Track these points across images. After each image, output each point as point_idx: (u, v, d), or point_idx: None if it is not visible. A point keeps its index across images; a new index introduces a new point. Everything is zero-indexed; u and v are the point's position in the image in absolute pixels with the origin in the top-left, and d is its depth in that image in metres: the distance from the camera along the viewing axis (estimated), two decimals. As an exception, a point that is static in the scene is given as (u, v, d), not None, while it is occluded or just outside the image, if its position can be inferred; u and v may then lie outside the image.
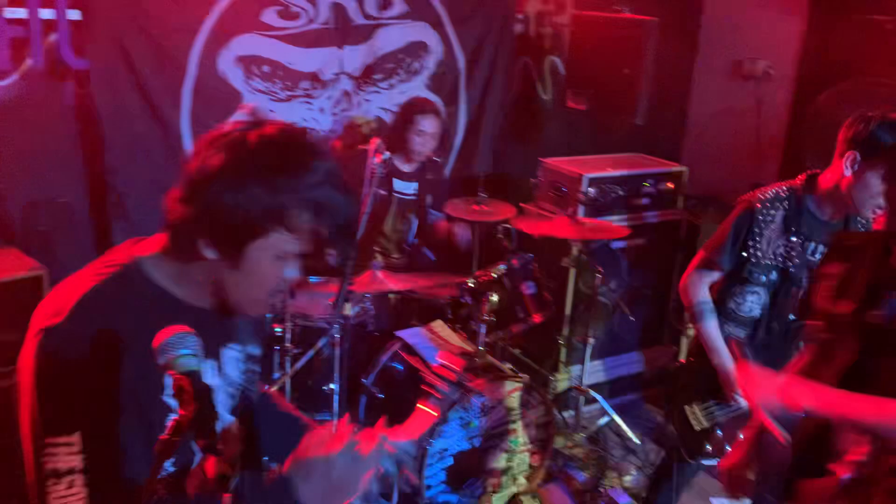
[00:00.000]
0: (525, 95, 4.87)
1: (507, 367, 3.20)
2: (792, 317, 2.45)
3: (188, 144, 3.61)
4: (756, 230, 2.37)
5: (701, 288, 2.50)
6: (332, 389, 3.00)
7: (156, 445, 1.01)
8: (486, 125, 4.65)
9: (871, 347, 1.62)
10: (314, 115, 4.03)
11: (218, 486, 1.02)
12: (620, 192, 4.08)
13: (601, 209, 3.99)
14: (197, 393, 1.03)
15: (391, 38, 4.18)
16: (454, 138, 4.58)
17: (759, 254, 2.38)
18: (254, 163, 1.17)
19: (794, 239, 2.34)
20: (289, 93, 3.91)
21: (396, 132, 3.74)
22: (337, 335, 2.95)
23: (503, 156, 4.79)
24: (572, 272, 3.89)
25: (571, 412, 3.97)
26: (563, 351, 4.08)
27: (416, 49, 4.29)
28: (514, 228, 3.85)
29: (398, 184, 3.79)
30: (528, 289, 3.38)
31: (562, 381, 4.14)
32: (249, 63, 3.74)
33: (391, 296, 3.61)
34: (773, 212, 2.37)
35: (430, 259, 4.01)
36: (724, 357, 2.42)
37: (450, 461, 2.95)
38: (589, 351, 3.77)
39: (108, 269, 1.25)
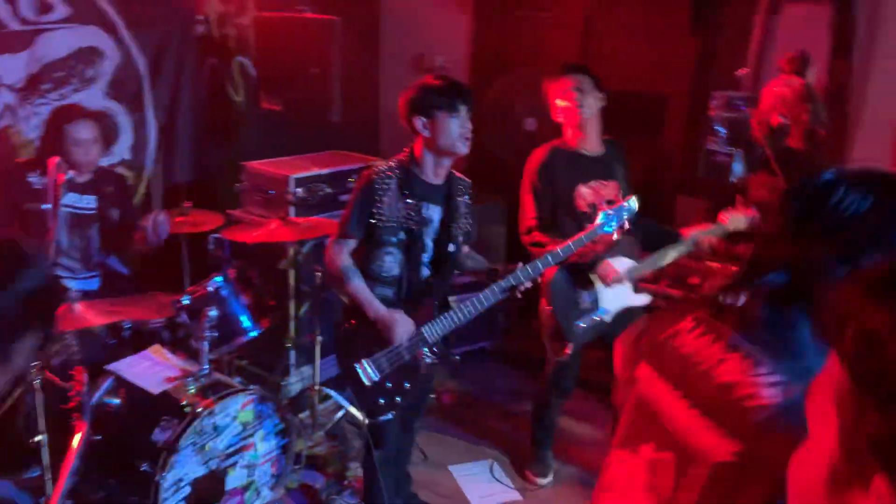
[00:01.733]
0: (218, 98, 4.72)
1: (236, 381, 3.11)
2: (426, 272, 2.81)
3: None
4: (377, 198, 2.69)
5: (342, 256, 2.75)
6: (41, 441, 2.68)
7: None
8: (180, 131, 4.43)
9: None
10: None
11: None
12: (328, 190, 4.15)
13: (312, 207, 4.02)
14: None
15: (56, 44, 3.78)
16: (148, 146, 4.29)
17: (384, 218, 2.69)
18: None
19: (409, 201, 2.70)
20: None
21: (47, 146, 3.36)
22: (37, 381, 2.63)
23: (205, 162, 4.61)
24: (292, 273, 3.88)
25: (307, 412, 3.99)
26: (293, 354, 4.06)
27: (89, 55, 3.93)
28: (226, 238, 3.73)
29: (71, 197, 3.42)
30: (247, 298, 3.31)
31: (294, 384, 4.13)
32: None
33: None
34: (388, 181, 2.71)
35: (123, 273, 3.73)
36: (378, 305, 2.70)
37: (187, 490, 2.81)
38: (318, 349, 3.81)
39: None
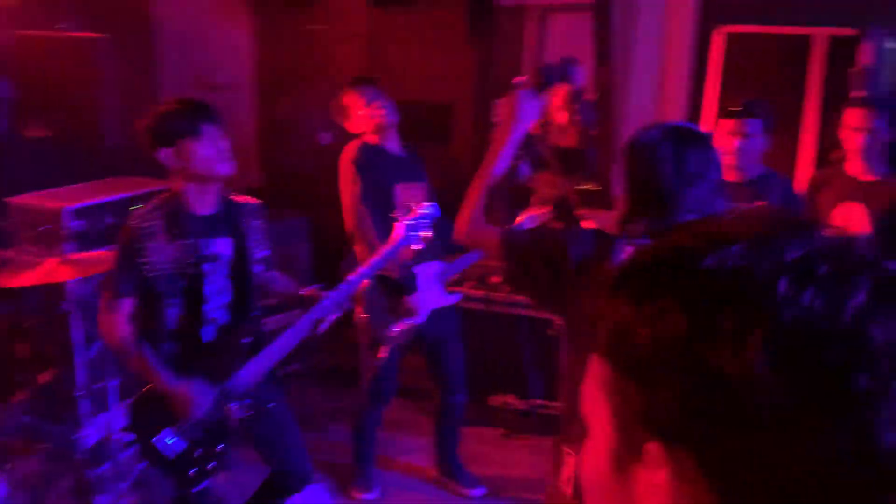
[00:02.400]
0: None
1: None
2: (224, 316, 2.51)
3: None
4: (141, 248, 2.38)
5: (119, 323, 2.41)
6: None
7: None
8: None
9: None
10: None
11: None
12: (111, 220, 3.83)
13: (95, 240, 3.69)
14: None
15: None
16: None
17: (155, 268, 2.39)
18: None
19: (182, 242, 2.41)
20: None
21: None
22: None
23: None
24: (75, 315, 3.53)
25: (108, 463, 3.64)
26: (85, 403, 3.69)
27: None
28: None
29: None
30: (23, 350, 2.96)
31: (89, 436, 3.76)
32: None
33: None
34: (151, 227, 2.41)
35: None
36: (167, 378, 2.40)
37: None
38: (113, 394, 3.50)
39: None
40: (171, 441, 2.40)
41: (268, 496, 2.71)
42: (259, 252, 2.60)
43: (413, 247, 2.76)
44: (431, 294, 3.29)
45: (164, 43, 5.14)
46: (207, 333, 2.48)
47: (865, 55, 3.06)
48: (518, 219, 3.37)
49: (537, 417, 4.02)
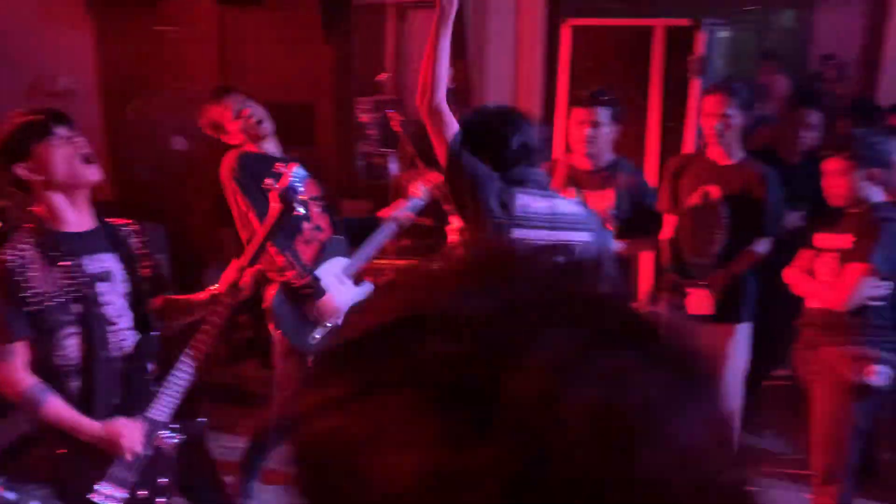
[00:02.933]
0: None
1: None
2: (128, 339, 2.30)
3: None
4: (19, 282, 2.15)
5: (18, 372, 2.17)
6: None
7: None
8: None
9: None
10: None
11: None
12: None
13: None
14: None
15: None
16: None
17: (41, 299, 2.16)
18: None
19: (63, 264, 2.20)
20: None
21: None
22: None
23: None
24: None
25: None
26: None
27: None
28: None
29: None
30: None
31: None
32: None
33: None
34: (23, 255, 2.18)
35: None
36: (89, 425, 2.18)
37: None
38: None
39: None
40: (109, 491, 2.16)
41: None
42: (147, 268, 2.41)
43: (296, 212, 2.57)
44: (342, 291, 3.21)
45: (-7, 48, 4.75)
46: (116, 362, 2.25)
47: (700, 44, 3.25)
48: (394, 208, 3.35)
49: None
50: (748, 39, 7.46)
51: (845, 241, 2.71)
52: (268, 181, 2.56)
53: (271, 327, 3.16)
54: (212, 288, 2.51)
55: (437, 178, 3.38)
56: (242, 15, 4.79)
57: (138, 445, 2.19)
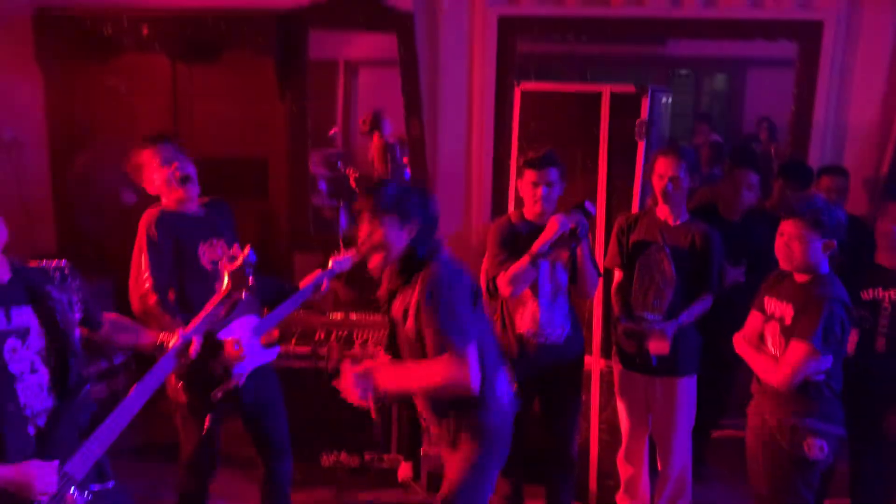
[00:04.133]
0: None
1: None
2: (46, 396, 2.21)
3: None
4: None
5: None
6: None
7: None
8: None
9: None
10: None
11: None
12: None
13: None
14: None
15: None
16: None
17: None
18: None
19: None
20: None
21: None
22: None
23: None
24: None
25: None
26: None
27: None
28: None
29: None
30: None
31: None
32: None
33: None
34: None
35: None
36: (1, 468, 2.08)
37: None
38: None
39: None
40: None
41: None
42: (75, 313, 2.32)
43: (242, 295, 2.63)
44: (251, 350, 3.16)
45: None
46: (26, 417, 2.15)
47: (645, 109, 3.42)
48: (330, 262, 3.37)
49: (373, 472, 3.98)
50: (685, 102, 7.85)
51: (787, 311, 2.72)
52: (223, 262, 2.61)
53: (172, 380, 3.04)
54: (161, 336, 2.54)
55: (351, 254, 3.40)
56: (196, 70, 4.81)
57: (52, 485, 2.08)
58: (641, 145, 3.46)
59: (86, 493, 2.18)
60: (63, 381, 2.22)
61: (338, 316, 4.19)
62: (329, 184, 5.89)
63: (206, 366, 3.00)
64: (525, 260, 3.09)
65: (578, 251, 3.18)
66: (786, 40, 4.45)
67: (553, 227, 3.07)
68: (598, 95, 3.52)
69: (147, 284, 2.97)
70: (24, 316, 2.19)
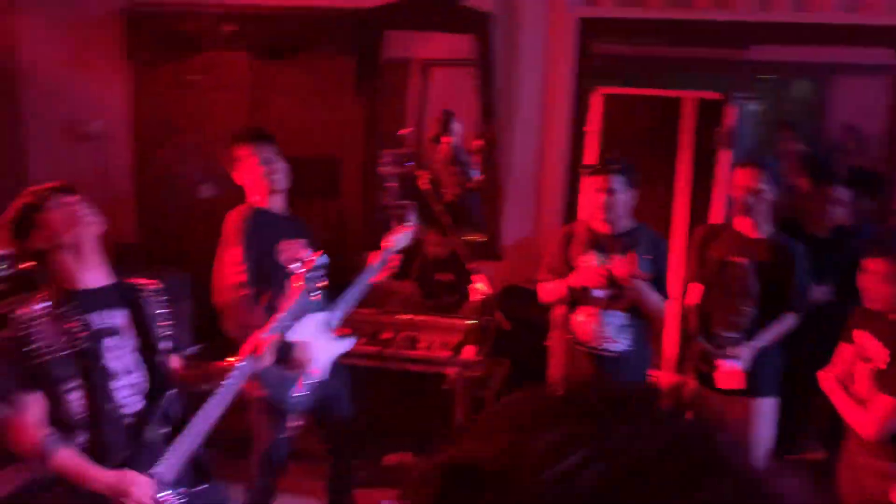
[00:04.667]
0: None
1: None
2: (134, 396, 2.31)
3: None
4: (26, 334, 2.20)
5: (29, 426, 2.18)
6: None
7: None
8: None
9: None
10: None
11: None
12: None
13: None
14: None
15: None
16: None
17: (44, 352, 2.19)
18: None
19: (71, 318, 2.23)
20: None
21: None
22: None
23: None
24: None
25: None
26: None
27: None
28: None
29: None
30: None
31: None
32: None
33: None
34: (34, 309, 2.25)
35: None
36: (98, 473, 2.17)
37: None
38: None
39: None
40: None
41: None
42: (164, 333, 2.40)
43: (312, 297, 2.68)
44: (325, 345, 3.18)
45: (29, 91, 4.85)
46: (122, 416, 2.24)
47: (730, 117, 3.29)
48: (385, 241, 3.35)
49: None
50: (767, 110, 7.57)
51: (881, 354, 2.58)
52: (292, 266, 2.69)
53: (252, 385, 3.08)
54: (231, 358, 2.52)
55: (410, 229, 3.41)
56: (275, 67, 4.88)
57: (148, 499, 2.15)
58: (725, 154, 3.34)
59: (178, 494, 2.24)
60: (153, 385, 2.32)
61: (405, 317, 4.19)
62: (398, 184, 5.90)
63: (281, 368, 3.04)
64: (563, 289, 3.20)
65: (630, 294, 3.12)
66: (879, 47, 4.24)
67: (592, 279, 3.12)
68: (680, 101, 3.42)
69: (241, 278, 3.02)
70: (116, 317, 2.31)
